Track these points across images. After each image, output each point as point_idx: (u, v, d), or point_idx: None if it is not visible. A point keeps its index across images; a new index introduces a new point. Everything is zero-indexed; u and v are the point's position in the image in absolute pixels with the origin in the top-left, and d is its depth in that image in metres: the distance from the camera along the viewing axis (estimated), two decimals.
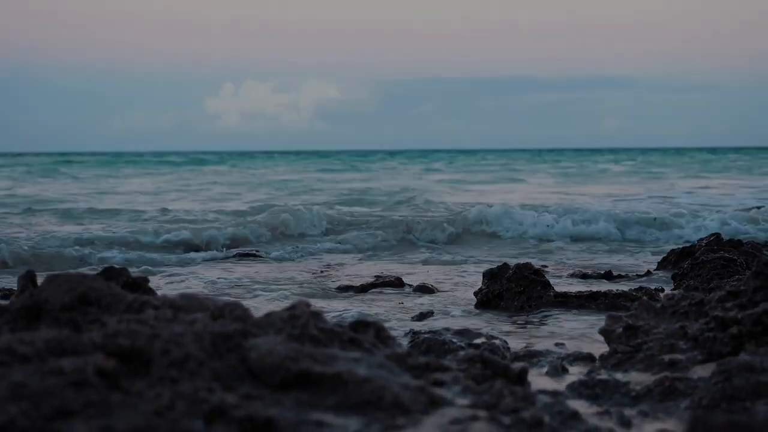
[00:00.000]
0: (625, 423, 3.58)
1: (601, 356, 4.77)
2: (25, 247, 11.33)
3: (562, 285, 8.34)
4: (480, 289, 7.45)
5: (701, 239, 10.12)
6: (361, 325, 3.66)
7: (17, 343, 3.00)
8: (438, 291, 8.37)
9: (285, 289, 8.71)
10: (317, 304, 7.30)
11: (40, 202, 20.99)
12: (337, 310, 7.19)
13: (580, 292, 7.36)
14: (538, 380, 4.37)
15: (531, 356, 5.00)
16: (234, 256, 11.77)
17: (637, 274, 9.36)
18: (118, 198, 23.67)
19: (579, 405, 3.81)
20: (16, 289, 3.90)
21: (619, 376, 4.33)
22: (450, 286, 8.74)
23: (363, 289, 8.52)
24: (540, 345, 5.40)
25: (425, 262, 11.20)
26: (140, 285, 3.87)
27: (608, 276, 9.23)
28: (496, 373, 3.69)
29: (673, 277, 8.30)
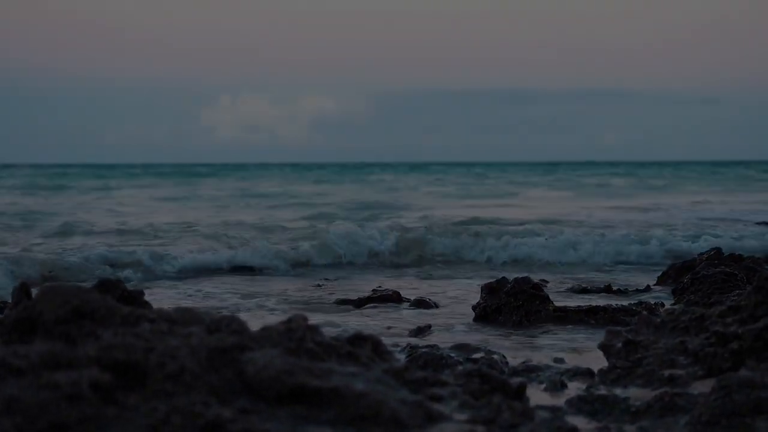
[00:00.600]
0: None
1: (601, 371, 4.74)
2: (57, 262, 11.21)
3: (561, 299, 8.31)
4: (478, 303, 7.42)
5: (701, 254, 10.09)
6: (358, 339, 3.64)
7: (11, 356, 2.98)
8: (436, 305, 8.34)
9: (282, 303, 8.68)
10: (314, 318, 7.27)
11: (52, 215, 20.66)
12: (335, 324, 7.16)
13: (579, 306, 7.33)
14: (537, 395, 4.34)
15: (529, 371, 4.97)
16: (230, 270, 11.73)
17: (636, 289, 9.33)
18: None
19: (578, 421, 3.78)
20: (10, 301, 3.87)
21: (619, 391, 4.30)
22: (448, 301, 8.71)
23: (360, 303, 8.49)
24: (538, 360, 5.37)
25: (423, 277, 11.18)
26: (135, 298, 3.85)
27: (608, 291, 9.20)
28: (494, 388, 3.66)
29: (673, 292, 8.27)
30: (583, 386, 4.53)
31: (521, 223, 16.27)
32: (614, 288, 9.30)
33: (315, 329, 3.46)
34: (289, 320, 3.47)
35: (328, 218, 19.03)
